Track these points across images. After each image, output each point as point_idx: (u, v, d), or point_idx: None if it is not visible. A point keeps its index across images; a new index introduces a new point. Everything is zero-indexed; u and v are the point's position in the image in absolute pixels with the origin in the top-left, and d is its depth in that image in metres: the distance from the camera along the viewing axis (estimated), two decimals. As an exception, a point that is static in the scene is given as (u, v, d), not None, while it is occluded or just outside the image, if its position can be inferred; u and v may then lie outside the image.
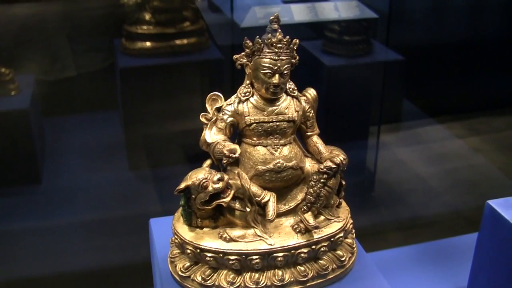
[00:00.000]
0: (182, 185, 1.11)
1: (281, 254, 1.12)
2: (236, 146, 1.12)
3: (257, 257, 1.11)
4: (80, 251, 1.79)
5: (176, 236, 1.16)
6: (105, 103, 2.04)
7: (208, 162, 1.16)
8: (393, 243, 2.10)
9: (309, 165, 1.17)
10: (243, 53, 1.15)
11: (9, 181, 1.90)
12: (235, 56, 1.15)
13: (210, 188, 1.10)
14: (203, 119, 1.16)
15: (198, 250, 1.12)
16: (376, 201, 2.36)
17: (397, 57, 2.26)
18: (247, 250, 1.11)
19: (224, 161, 1.13)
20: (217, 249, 1.12)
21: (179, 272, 1.15)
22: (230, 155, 1.11)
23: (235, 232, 1.13)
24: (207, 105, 1.16)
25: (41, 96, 1.93)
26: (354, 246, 1.21)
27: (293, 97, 1.16)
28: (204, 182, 1.10)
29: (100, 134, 2.06)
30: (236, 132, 1.17)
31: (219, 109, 1.15)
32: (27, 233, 1.81)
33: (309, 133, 1.19)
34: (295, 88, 1.17)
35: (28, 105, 1.90)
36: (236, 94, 1.16)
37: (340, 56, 2.17)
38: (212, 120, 1.15)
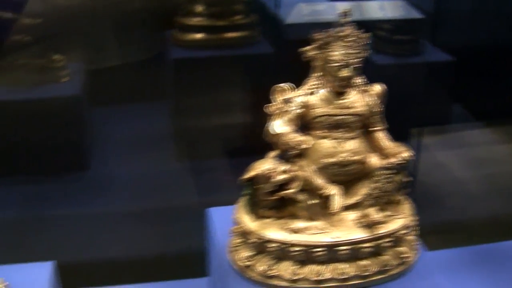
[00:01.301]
0: (248, 175, 1.11)
1: (344, 247, 1.12)
2: (304, 138, 1.12)
3: (320, 249, 1.11)
4: (126, 239, 1.79)
5: (238, 226, 1.16)
6: (153, 93, 2.05)
7: (273, 153, 1.16)
8: (430, 246, 2.08)
9: (374, 160, 1.16)
10: (312, 45, 1.14)
11: (58, 167, 1.91)
12: (303, 48, 1.15)
13: (275, 179, 1.11)
14: (268, 110, 1.16)
15: (262, 240, 1.12)
16: (416, 203, 2.33)
17: (446, 57, 2.24)
18: (311, 242, 1.11)
19: (291, 153, 1.13)
20: (281, 240, 1.12)
21: (240, 262, 1.16)
22: (298, 146, 1.11)
23: (299, 224, 1.13)
24: (273, 96, 1.16)
25: (90, 84, 1.94)
26: (416, 243, 1.20)
27: (361, 91, 1.16)
28: (269, 173, 1.11)
29: (147, 124, 2.07)
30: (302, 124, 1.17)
31: (286, 100, 1.15)
32: (75, 219, 1.81)
33: (374, 128, 1.19)
34: (364, 82, 1.17)
35: (78, 92, 1.91)
36: (305, 86, 1.16)
37: (388, 55, 2.15)
38: (280, 111, 1.15)
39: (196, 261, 1.53)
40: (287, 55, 1.93)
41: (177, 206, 1.86)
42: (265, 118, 1.91)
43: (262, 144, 1.81)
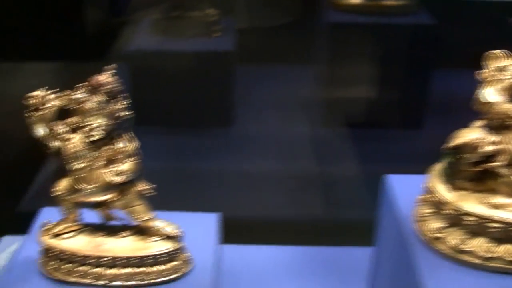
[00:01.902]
0: (455, 143, 1.05)
1: (546, 230, 1.05)
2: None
3: (521, 229, 1.04)
4: (274, 200, 1.76)
5: (432, 195, 1.11)
6: (301, 56, 2.00)
7: (479, 122, 1.09)
8: None
9: None
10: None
11: (203, 121, 1.90)
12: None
13: (483, 150, 1.04)
14: (479, 77, 1.09)
15: (458, 213, 1.06)
16: None
17: None
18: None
19: (503, 124, 1.06)
20: (479, 214, 1.05)
21: (429, 233, 1.10)
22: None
23: (500, 200, 1.06)
24: (485, 63, 1.09)
25: (240, 42, 1.91)
26: None
27: None
28: (477, 143, 1.04)
29: (293, 87, 2.03)
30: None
31: (501, 68, 1.08)
32: (217, 174, 1.80)
33: None
34: None
35: (228, 48, 1.90)
36: (522, 54, 1.08)
37: None
38: (493, 78, 1.08)
39: (347, 229, 1.49)
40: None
41: (319, 172, 1.82)
42: (418, 89, 1.85)
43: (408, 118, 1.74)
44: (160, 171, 1.77)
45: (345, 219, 1.62)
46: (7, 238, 1.39)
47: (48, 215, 1.28)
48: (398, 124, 1.91)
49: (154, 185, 1.14)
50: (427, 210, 1.12)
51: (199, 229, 1.27)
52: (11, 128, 1.92)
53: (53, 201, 1.13)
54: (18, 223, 1.74)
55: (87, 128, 1.07)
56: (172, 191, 1.73)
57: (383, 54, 1.90)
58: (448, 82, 1.84)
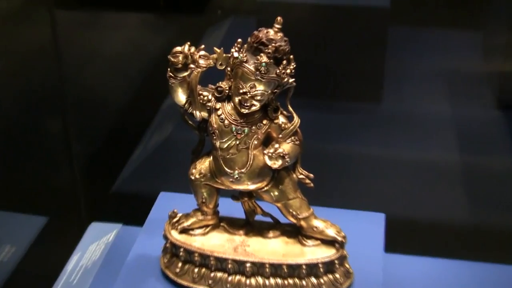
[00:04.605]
0: None
1: None
2: None
3: None
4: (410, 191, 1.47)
5: None
6: (471, 22, 1.71)
7: None
8: None
9: None
10: None
11: (351, 97, 1.68)
12: None
13: None
14: None
15: None
16: None
17: None
18: None
19: None
20: None
21: None
22: None
23: None
24: None
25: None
26: None
27: None
28: None
29: (455, 58, 1.75)
30: None
31: None
32: (367, 155, 1.54)
33: None
34: None
35: (383, 5, 1.68)
36: None
37: None
38: None
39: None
40: None
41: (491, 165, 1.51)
42: None
43: None
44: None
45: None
46: (96, 225, 1.20)
47: (169, 202, 1.08)
48: None
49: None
50: None
51: (361, 232, 1.02)
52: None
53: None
54: (108, 208, 1.53)
55: (242, 96, 0.84)
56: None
57: None
58: None
